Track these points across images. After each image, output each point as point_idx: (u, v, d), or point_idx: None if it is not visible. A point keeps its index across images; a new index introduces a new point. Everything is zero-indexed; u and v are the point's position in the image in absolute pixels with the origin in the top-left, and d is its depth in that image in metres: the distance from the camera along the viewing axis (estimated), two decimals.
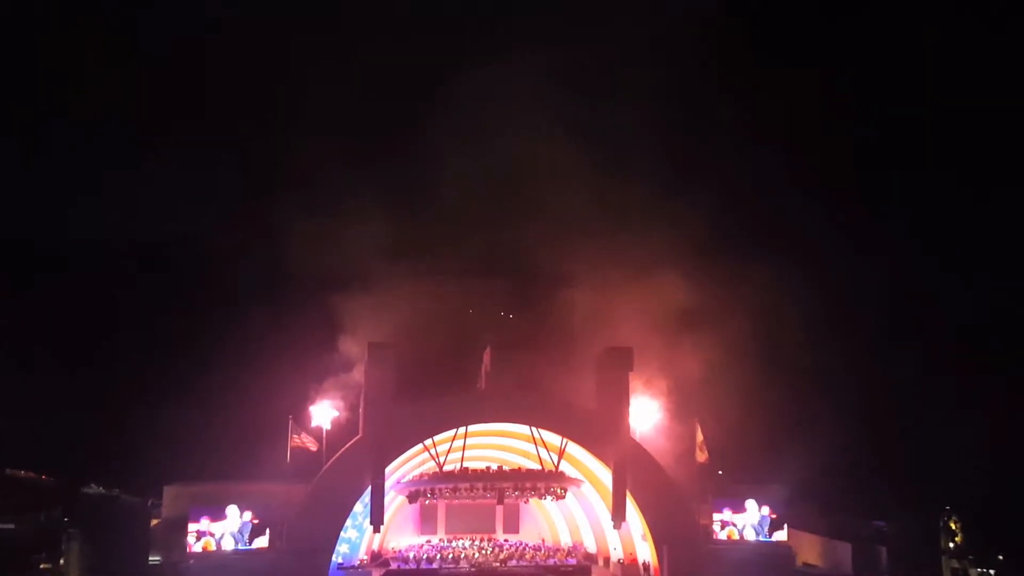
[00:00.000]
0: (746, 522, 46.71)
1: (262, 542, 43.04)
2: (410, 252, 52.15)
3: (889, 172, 64.57)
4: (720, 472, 52.06)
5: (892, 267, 61.32)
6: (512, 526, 53.80)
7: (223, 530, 42.90)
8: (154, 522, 44.77)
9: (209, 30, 58.28)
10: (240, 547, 42.65)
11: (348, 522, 45.02)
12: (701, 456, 46.46)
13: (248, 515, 43.03)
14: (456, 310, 52.24)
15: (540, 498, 48.92)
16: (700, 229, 53.28)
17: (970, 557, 46.18)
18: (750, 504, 46.77)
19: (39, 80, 58.20)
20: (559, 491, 47.66)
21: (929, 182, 63.16)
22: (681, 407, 49.55)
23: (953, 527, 46.60)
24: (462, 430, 45.51)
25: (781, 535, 46.57)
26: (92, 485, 51.68)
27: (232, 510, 42.97)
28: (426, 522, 53.05)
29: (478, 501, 49.34)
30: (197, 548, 42.55)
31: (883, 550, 44.18)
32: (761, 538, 46.42)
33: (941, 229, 62.72)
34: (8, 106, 58.99)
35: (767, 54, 64.24)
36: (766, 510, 46.66)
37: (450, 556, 48.85)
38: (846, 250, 61.87)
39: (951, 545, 46.28)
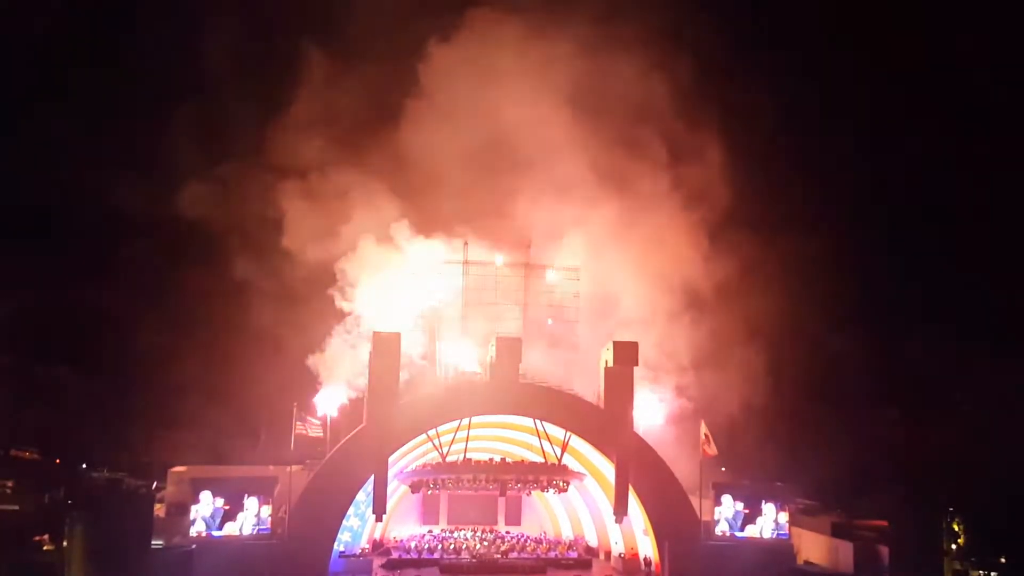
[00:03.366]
0: (721, 516, 46.67)
1: (232, 528, 42.88)
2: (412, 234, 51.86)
3: (920, 153, 63.79)
4: (723, 468, 52.12)
5: (902, 262, 61.10)
6: (514, 518, 54.01)
7: (195, 514, 42.82)
8: (158, 506, 44.91)
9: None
10: (213, 532, 42.56)
11: (351, 510, 45.07)
12: (711, 450, 46.27)
13: (220, 501, 42.79)
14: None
15: (542, 491, 48.93)
16: (713, 202, 52.89)
17: (972, 559, 46.09)
18: (725, 499, 46.71)
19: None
20: (561, 484, 47.63)
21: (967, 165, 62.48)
22: (685, 400, 49.63)
23: (956, 528, 46.53)
24: (465, 421, 45.54)
25: (753, 529, 46.54)
26: (97, 468, 51.97)
27: (205, 495, 42.82)
28: (428, 512, 53.26)
29: (480, 492, 49.38)
30: None
31: (885, 550, 44.03)
32: (735, 532, 46.44)
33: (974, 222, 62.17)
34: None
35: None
36: (740, 505, 46.59)
37: (451, 547, 48.95)
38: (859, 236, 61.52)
39: (953, 546, 46.18)
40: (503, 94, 51.86)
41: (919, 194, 62.50)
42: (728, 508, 46.66)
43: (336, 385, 48.07)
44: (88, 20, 62.39)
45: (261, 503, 43.31)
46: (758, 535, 46.46)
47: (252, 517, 43.18)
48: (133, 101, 62.49)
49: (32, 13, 61.35)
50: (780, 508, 46.76)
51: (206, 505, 42.77)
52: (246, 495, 43.15)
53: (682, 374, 50.39)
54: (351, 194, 51.55)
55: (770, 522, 46.65)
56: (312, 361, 49.44)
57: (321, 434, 46.01)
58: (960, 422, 57.64)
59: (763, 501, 46.75)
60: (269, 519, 43.28)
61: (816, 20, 63.97)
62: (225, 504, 42.81)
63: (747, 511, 46.61)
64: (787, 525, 46.75)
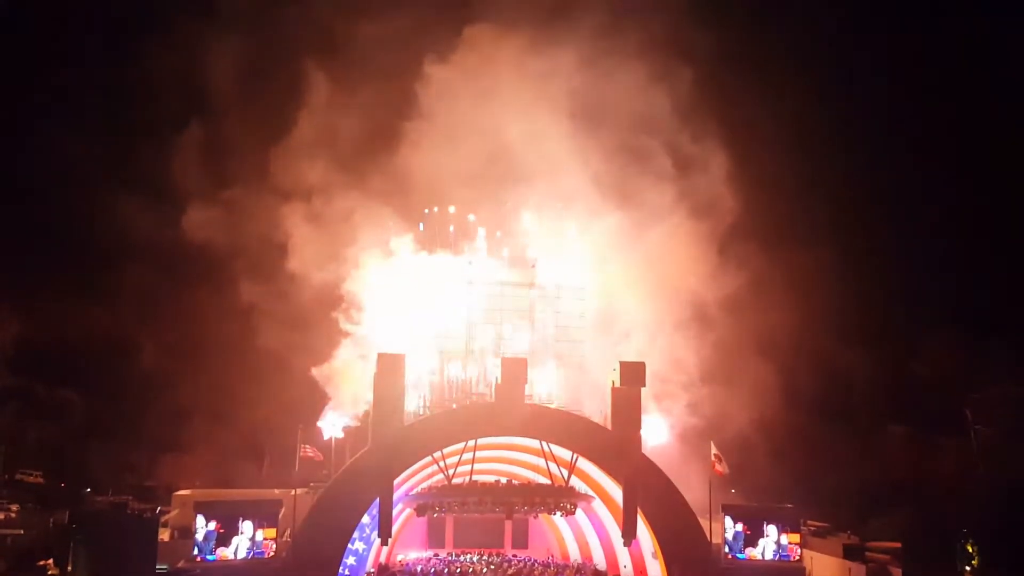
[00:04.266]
0: (720, 537, 45.95)
1: (226, 552, 42.06)
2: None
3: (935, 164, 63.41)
4: (733, 491, 51.61)
5: (914, 277, 60.56)
6: (521, 541, 53.53)
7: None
8: (162, 530, 44.69)
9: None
10: (207, 556, 41.80)
11: (355, 534, 44.65)
12: (722, 468, 45.73)
13: (212, 524, 42.00)
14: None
15: (550, 513, 48.49)
16: (721, 214, 52.52)
17: None
18: (725, 520, 46.02)
19: None
20: (569, 507, 47.12)
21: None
22: (694, 419, 49.23)
23: (970, 550, 45.80)
24: (471, 443, 45.17)
25: (753, 552, 45.80)
26: (101, 491, 51.83)
27: (199, 519, 42.13)
28: (434, 535, 52.81)
29: (487, 515, 48.90)
30: None
31: (898, 572, 43.43)
32: (735, 554, 45.71)
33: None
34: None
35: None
36: (739, 526, 45.91)
37: (458, 570, 48.51)
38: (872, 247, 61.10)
39: (967, 569, 45.45)
40: (506, 110, 51.98)
41: (934, 205, 62.23)
42: (728, 529, 46.01)
43: (343, 400, 47.94)
44: (92, 44, 63.03)
45: (256, 527, 42.58)
46: (759, 557, 45.75)
47: (247, 541, 42.49)
48: (138, 125, 63.02)
49: (36, 34, 62.07)
50: (782, 529, 46.05)
51: (199, 529, 42.11)
52: (241, 518, 42.44)
53: (690, 392, 50.00)
54: (355, 215, 51.64)
55: (772, 544, 45.94)
56: (318, 373, 49.33)
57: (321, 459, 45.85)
58: (974, 441, 57.02)
59: (765, 522, 46.06)
60: (264, 543, 42.62)
61: (822, 29, 64.03)
62: (218, 527, 42.01)
63: (748, 532, 45.88)
64: (789, 547, 45.93)
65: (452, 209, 50.41)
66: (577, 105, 52.99)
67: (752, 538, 45.84)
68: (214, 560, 41.81)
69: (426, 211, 50.91)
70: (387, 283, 49.42)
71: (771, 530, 45.98)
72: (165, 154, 59.39)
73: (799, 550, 46.10)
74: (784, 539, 45.93)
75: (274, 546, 42.74)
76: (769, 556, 45.77)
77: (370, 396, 44.99)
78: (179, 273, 61.28)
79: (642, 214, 51.47)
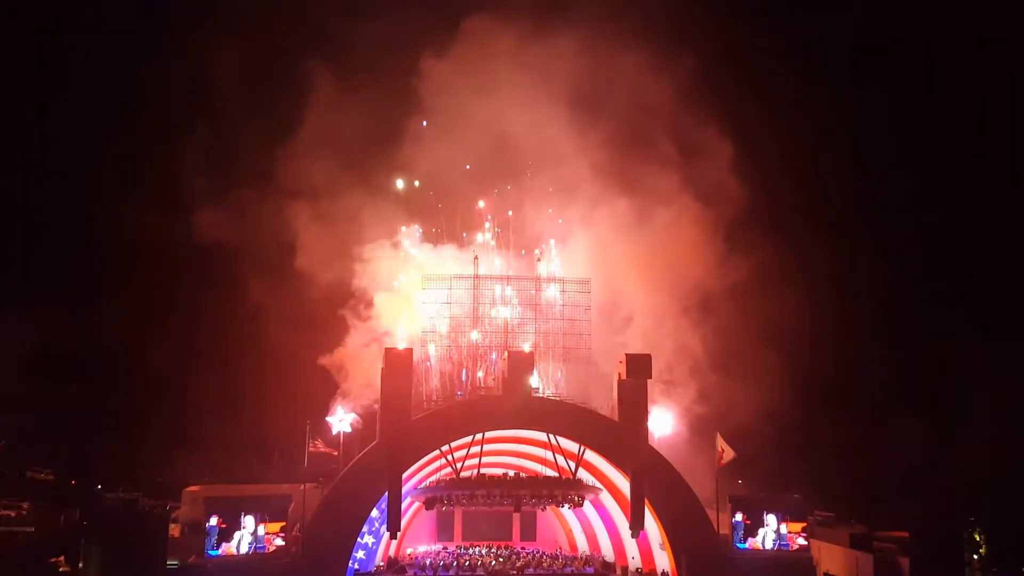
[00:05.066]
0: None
1: (230, 547, 42.19)
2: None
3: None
4: (740, 481, 51.72)
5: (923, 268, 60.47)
6: (529, 533, 53.75)
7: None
8: (173, 526, 44.95)
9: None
10: (210, 551, 41.94)
11: (365, 528, 44.91)
12: (728, 456, 45.71)
13: (215, 519, 42.14)
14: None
15: (557, 506, 48.66)
16: (727, 203, 52.47)
17: (994, 569, 45.46)
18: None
19: None
20: (576, 499, 47.24)
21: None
22: (701, 409, 49.32)
23: (977, 539, 45.92)
24: (479, 436, 45.34)
25: (754, 541, 45.91)
26: (112, 488, 52.16)
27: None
28: (443, 529, 53.07)
29: (495, 508, 48.98)
30: None
31: (905, 561, 43.48)
32: (736, 543, 45.78)
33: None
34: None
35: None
36: (739, 516, 45.99)
37: (467, 563, 48.63)
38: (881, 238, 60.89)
39: (975, 557, 45.55)
40: (506, 101, 52.12)
41: (940, 196, 62.15)
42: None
43: (354, 387, 48.17)
44: (98, 48, 63.28)
45: (258, 521, 42.71)
46: (760, 546, 45.82)
47: (248, 536, 42.59)
48: (145, 128, 63.27)
49: (42, 38, 62.39)
50: (782, 519, 46.10)
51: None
52: (243, 513, 42.54)
53: (698, 381, 50.09)
54: (362, 213, 51.85)
55: (772, 533, 46.01)
56: (328, 361, 49.51)
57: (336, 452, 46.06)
58: (980, 431, 57.04)
59: (764, 512, 46.14)
60: (265, 537, 42.69)
61: (829, 17, 63.95)
62: (220, 523, 42.11)
63: (748, 522, 45.99)
64: (789, 536, 45.95)
65: (467, 166, 50.38)
66: (577, 93, 53.08)
67: (752, 527, 45.96)
68: (217, 555, 42.10)
69: (431, 193, 51.12)
70: (394, 278, 49.62)
71: (771, 519, 46.05)
72: (173, 156, 59.59)
73: (799, 539, 46.16)
74: (784, 528, 45.96)
75: (276, 540, 42.92)
76: (769, 545, 45.87)
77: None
78: (188, 273, 61.62)
79: (646, 201, 51.48)
